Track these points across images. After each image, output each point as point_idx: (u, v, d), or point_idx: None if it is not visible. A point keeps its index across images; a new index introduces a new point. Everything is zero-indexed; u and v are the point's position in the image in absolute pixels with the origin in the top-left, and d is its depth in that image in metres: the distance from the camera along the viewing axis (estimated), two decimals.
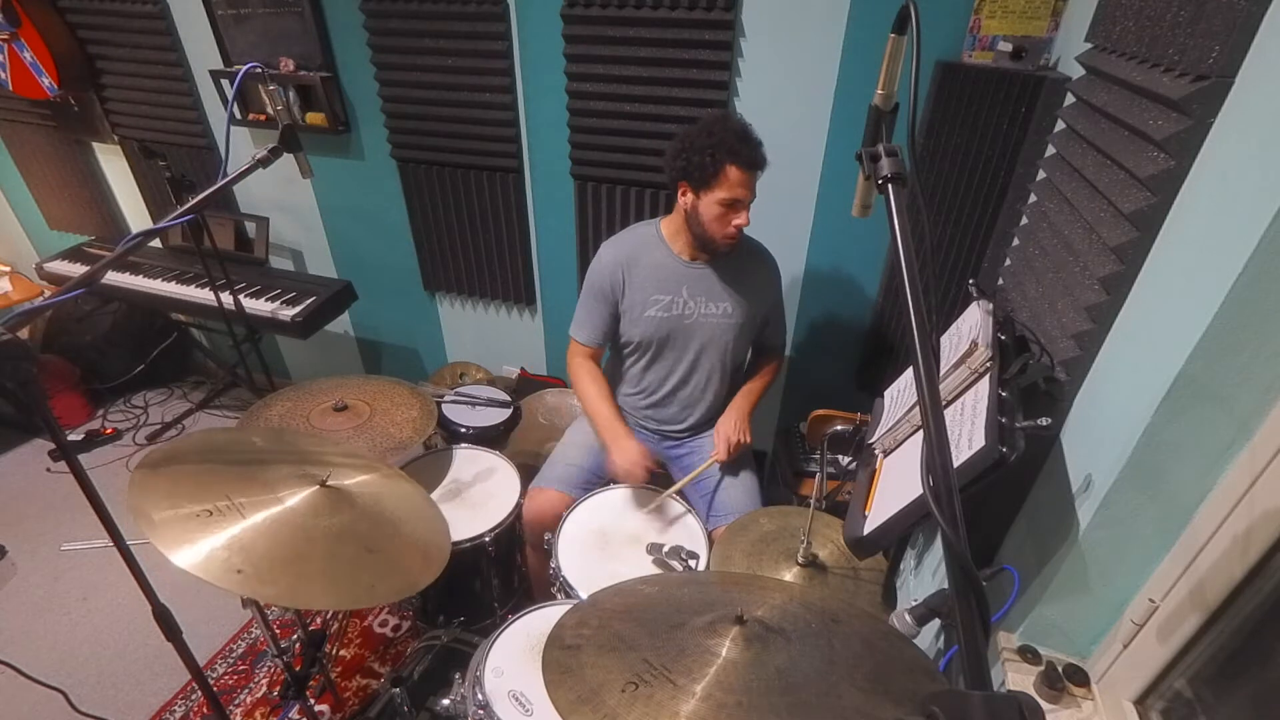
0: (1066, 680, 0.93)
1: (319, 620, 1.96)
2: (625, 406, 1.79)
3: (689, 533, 1.49)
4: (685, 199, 1.49)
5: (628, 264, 1.59)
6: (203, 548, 0.93)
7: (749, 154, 1.40)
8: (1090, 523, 0.88)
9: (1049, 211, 1.20)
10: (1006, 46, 1.47)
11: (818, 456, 1.76)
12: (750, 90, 1.79)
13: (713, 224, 1.47)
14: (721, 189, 1.42)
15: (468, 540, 1.50)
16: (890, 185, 0.67)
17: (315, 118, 2.20)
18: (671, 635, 0.84)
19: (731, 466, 1.65)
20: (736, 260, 1.59)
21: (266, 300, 2.34)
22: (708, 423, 1.76)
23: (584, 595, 1.33)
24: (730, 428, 1.62)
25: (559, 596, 1.38)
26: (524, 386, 2.52)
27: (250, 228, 2.55)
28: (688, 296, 1.59)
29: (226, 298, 2.20)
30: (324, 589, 0.99)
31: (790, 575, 1.27)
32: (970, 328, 1.15)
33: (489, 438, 2.00)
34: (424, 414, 1.64)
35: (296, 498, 1.08)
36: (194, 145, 2.49)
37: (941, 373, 1.08)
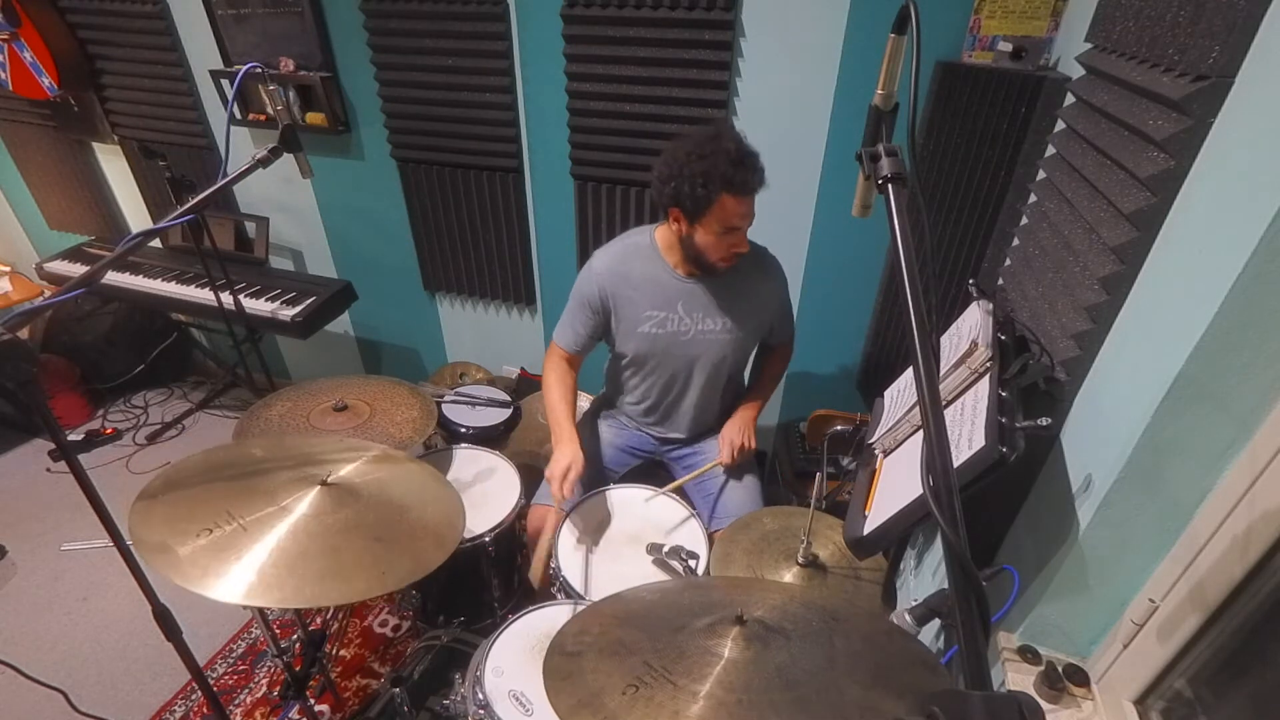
0: (1066, 680, 0.93)
1: (319, 620, 1.96)
2: (626, 414, 1.78)
3: (689, 533, 1.49)
4: (679, 226, 1.39)
5: (619, 278, 1.52)
6: (206, 570, 0.93)
7: (744, 179, 1.28)
8: (1090, 523, 0.88)
9: (1049, 211, 1.20)
10: (1006, 46, 1.47)
11: (818, 456, 1.76)
12: (750, 90, 1.79)
13: (710, 251, 1.39)
14: (717, 220, 1.32)
15: (468, 540, 1.50)
16: (890, 185, 0.67)
17: (315, 118, 2.20)
18: (672, 638, 0.84)
19: (734, 469, 1.64)
20: (736, 273, 1.49)
21: (266, 300, 2.34)
22: (709, 429, 1.75)
23: (584, 595, 1.33)
24: (735, 432, 1.61)
25: (559, 596, 1.38)
26: (524, 386, 2.52)
27: (250, 228, 2.55)
28: (684, 313, 1.52)
29: (226, 298, 2.20)
30: (332, 585, 0.99)
31: (790, 575, 1.27)
32: (970, 328, 1.15)
33: (489, 438, 2.00)
34: (424, 414, 1.64)
35: (300, 501, 1.08)
36: (194, 145, 2.49)
37: (941, 373, 1.08)
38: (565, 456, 1.46)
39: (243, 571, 0.94)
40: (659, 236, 1.52)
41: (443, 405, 2.06)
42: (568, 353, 1.63)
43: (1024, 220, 1.43)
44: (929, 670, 0.81)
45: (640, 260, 1.52)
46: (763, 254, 1.58)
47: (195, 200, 1.15)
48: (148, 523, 0.98)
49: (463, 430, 2.02)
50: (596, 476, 1.70)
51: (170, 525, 0.99)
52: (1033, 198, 1.35)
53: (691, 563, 1.33)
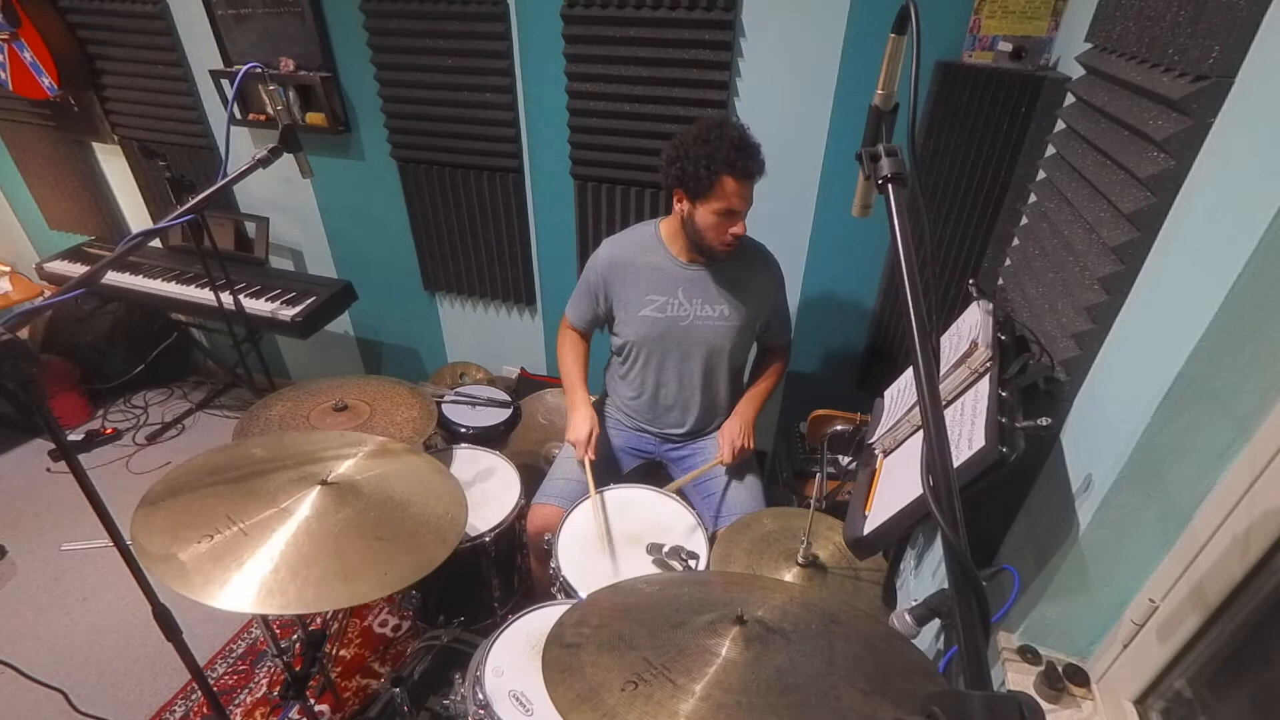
0: (1066, 680, 0.93)
1: (319, 620, 1.96)
2: (626, 409, 1.79)
3: (689, 533, 1.49)
4: (681, 206, 1.48)
5: (622, 265, 1.60)
6: (209, 579, 0.93)
7: (745, 164, 1.38)
8: (1090, 523, 0.88)
9: (1049, 211, 1.20)
10: (1006, 46, 1.47)
11: (818, 456, 1.76)
12: (750, 90, 1.79)
13: (709, 232, 1.46)
14: (717, 199, 1.41)
15: (468, 540, 1.50)
16: (890, 185, 0.67)
17: (315, 118, 2.20)
18: (671, 635, 0.84)
19: (734, 469, 1.65)
20: (736, 263, 1.58)
21: (266, 300, 2.34)
22: (708, 426, 1.75)
23: (584, 595, 1.33)
24: (734, 431, 1.62)
25: (559, 596, 1.38)
26: (524, 386, 2.52)
27: (250, 228, 2.55)
28: (684, 299, 1.59)
29: (226, 298, 2.20)
30: (334, 588, 0.97)
31: (790, 575, 1.27)
32: (970, 328, 1.15)
33: (489, 438, 2.00)
34: (424, 414, 1.64)
35: (300, 503, 1.08)
36: (194, 145, 2.49)
37: (941, 373, 1.08)
38: (583, 421, 1.62)
39: (244, 580, 0.94)
40: (663, 227, 1.61)
41: (443, 405, 2.05)
42: (576, 328, 1.73)
43: (1024, 220, 1.43)
44: (928, 679, 0.81)
45: (644, 249, 1.60)
46: (761, 248, 1.66)
47: (195, 200, 1.15)
48: (150, 531, 0.98)
49: (463, 430, 2.02)
50: (596, 474, 1.69)
51: (172, 533, 0.98)
52: (1033, 198, 1.35)
53: (691, 562, 1.33)
